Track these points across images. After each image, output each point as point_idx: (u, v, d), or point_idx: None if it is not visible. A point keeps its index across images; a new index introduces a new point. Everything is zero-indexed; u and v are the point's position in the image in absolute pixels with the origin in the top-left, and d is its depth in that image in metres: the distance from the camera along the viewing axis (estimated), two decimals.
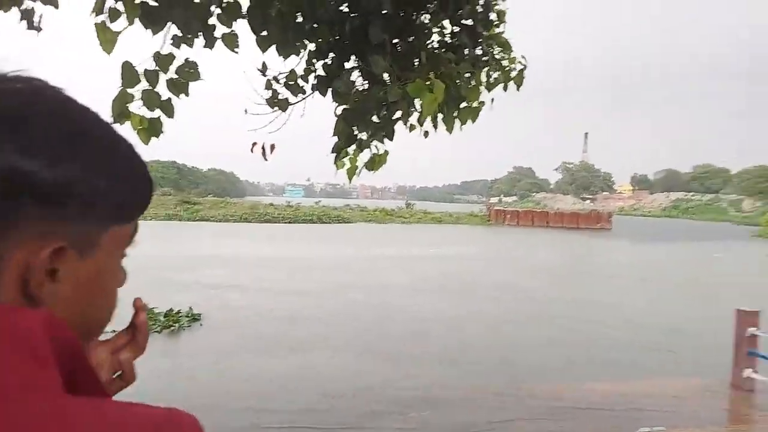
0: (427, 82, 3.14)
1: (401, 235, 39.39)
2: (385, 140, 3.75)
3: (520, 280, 19.47)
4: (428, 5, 3.74)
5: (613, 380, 8.34)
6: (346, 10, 3.55)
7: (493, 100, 4.31)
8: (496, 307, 14.33)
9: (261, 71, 3.71)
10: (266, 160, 3.61)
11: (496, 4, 4.21)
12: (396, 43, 3.61)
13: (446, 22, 3.95)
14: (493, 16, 4.15)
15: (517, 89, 4.36)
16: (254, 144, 3.80)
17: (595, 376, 8.62)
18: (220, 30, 3.49)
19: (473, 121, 4.04)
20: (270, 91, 3.76)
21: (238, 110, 3.67)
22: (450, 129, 3.97)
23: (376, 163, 3.60)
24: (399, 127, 3.90)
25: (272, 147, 3.65)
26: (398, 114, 3.62)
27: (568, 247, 37.27)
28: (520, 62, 4.32)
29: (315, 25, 3.52)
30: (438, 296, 15.58)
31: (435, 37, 3.95)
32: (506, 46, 4.29)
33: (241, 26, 3.51)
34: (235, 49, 3.50)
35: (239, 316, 12.06)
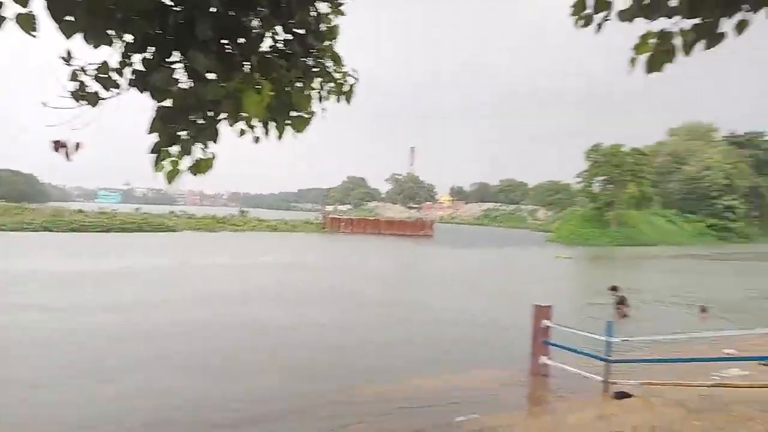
0: (257, 86, 3.04)
1: (234, 244, 37.87)
2: (214, 144, 3.55)
3: (355, 286, 19.99)
4: (259, 9, 3.64)
5: (436, 376, 8.95)
6: (169, 2, 3.29)
7: (324, 110, 4.36)
8: (329, 313, 14.49)
9: (65, 60, 3.26)
10: (69, 160, 3.17)
11: (329, 19, 4.28)
12: (225, 43, 3.45)
13: (279, 29, 3.89)
14: (324, 28, 4.21)
15: (347, 103, 4.47)
16: (56, 142, 3.32)
17: (420, 372, 9.15)
18: (13, 8, 2.99)
19: (301, 130, 4.04)
20: (77, 83, 3.32)
21: (37, 104, 3.18)
22: (280, 135, 3.91)
23: (201, 166, 3.38)
24: (231, 132, 3.73)
25: (77, 145, 3.21)
26: (223, 116, 3.45)
27: (398, 253, 39.34)
28: (351, 76, 4.44)
29: (133, 16, 3.20)
30: (274, 304, 15.26)
31: (268, 42, 3.87)
32: (337, 60, 4.38)
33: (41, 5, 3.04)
34: (33, 33, 3.02)
35: (34, 338, 10.44)
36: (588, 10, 2.68)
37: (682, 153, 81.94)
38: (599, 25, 2.65)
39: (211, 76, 3.26)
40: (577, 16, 2.72)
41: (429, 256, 38.32)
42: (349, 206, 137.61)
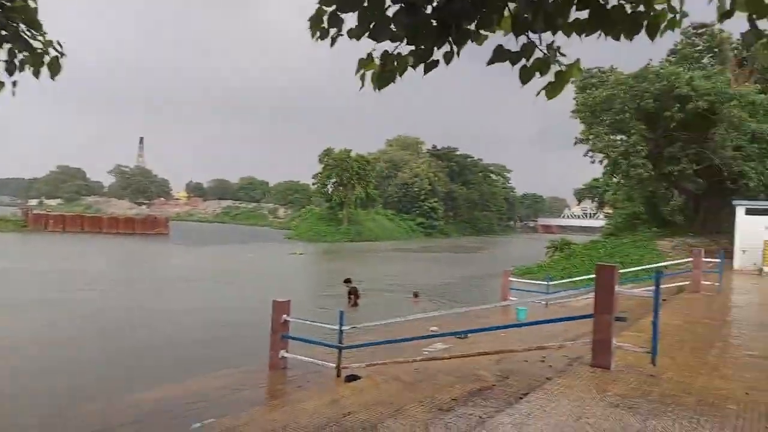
0: None
1: None
2: None
3: (68, 294, 17.22)
4: None
5: (175, 383, 8.34)
6: None
7: (15, 83, 3.66)
8: (38, 329, 12.19)
9: None
10: None
11: None
12: None
13: None
14: None
15: (52, 78, 3.81)
16: None
17: (158, 382, 8.41)
18: None
19: None
20: None
21: None
22: None
23: None
24: None
25: None
26: None
27: (125, 254, 35.39)
28: (56, 48, 3.78)
29: None
30: None
31: None
32: (36, 25, 3.68)
33: None
34: None
35: None
36: (323, 24, 2.80)
37: (397, 161, 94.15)
38: (333, 39, 2.81)
39: None
40: (313, 29, 2.82)
41: (162, 256, 35.54)
42: (60, 201, 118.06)
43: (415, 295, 19.69)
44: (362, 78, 2.89)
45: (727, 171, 24.80)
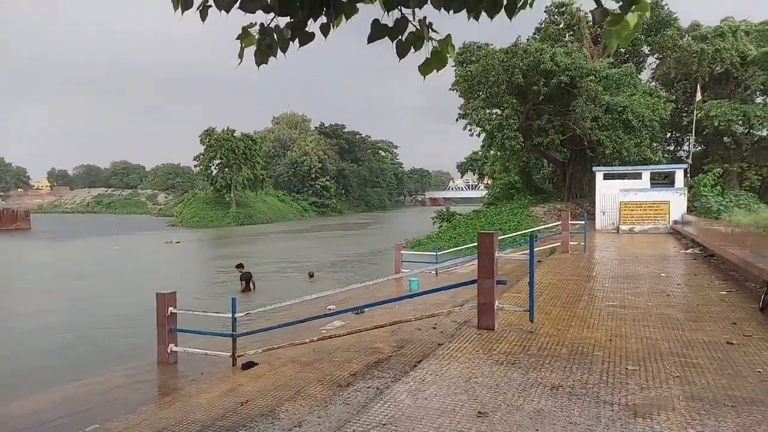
0: None
1: None
2: None
3: None
4: None
5: (46, 391, 7.59)
6: None
7: None
8: None
9: None
10: None
11: None
12: None
13: None
14: None
15: None
16: None
17: (33, 391, 7.60)
18: None
19: None
20: None
21: None
22: None
23: None
24: None
25: None
26: None
27: None
28: None
29: None
30: None
31: None
32: None
33: None
34: None
35: None
36: None
37: (285, 140, 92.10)
38: (201, 12, 2.60)
39: None
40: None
41: (24, 252, 31.96)
42: None
43: (311, 275, 19.61)
44: (241, 54, 2.73)
45: (587, 140, 27.33)
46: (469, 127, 30.46)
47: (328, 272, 21.53)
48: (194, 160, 69.36)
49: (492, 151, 33.56)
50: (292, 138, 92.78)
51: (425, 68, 2.68)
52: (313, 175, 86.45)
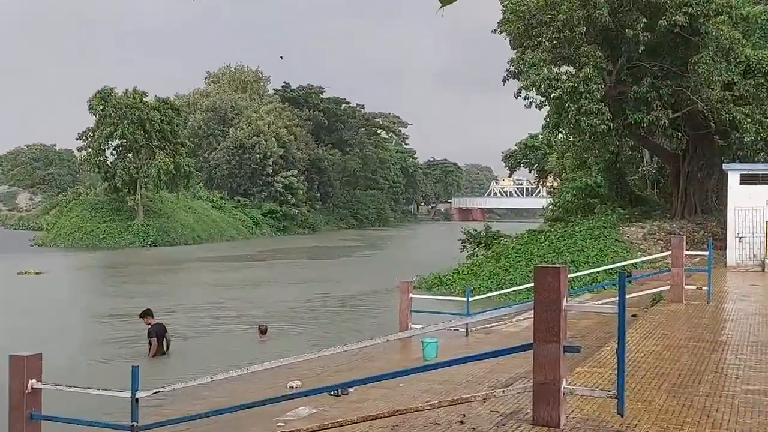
0: None
1: None
2: None
3: None
4: None
5: None
6: None
7: None
8: None
9: None
10: None
11: None
12: None
13: None
14: None
15: None
16: None
17: None
18: None
19: None
20: None
21: None
22: None
23: None
24: None
25: None
26: None
27: None
28: None
29: None
30: None
31: None
32: None
33: None
34: None
35: None
36: None
37: (226, 110, 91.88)
38: None
39: None
40: None
41: None
42: None
43: (262, 331, 19.55)
44: None
45: (715, 120, 26.97)
46: (524, 93, 30.48)
47: (290, 326, 21.46)
48: (79, 139, 69.38)
49: (561, 135, 33.69)
50: (238, 107, 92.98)
51: None
52: (271, 168, 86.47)
